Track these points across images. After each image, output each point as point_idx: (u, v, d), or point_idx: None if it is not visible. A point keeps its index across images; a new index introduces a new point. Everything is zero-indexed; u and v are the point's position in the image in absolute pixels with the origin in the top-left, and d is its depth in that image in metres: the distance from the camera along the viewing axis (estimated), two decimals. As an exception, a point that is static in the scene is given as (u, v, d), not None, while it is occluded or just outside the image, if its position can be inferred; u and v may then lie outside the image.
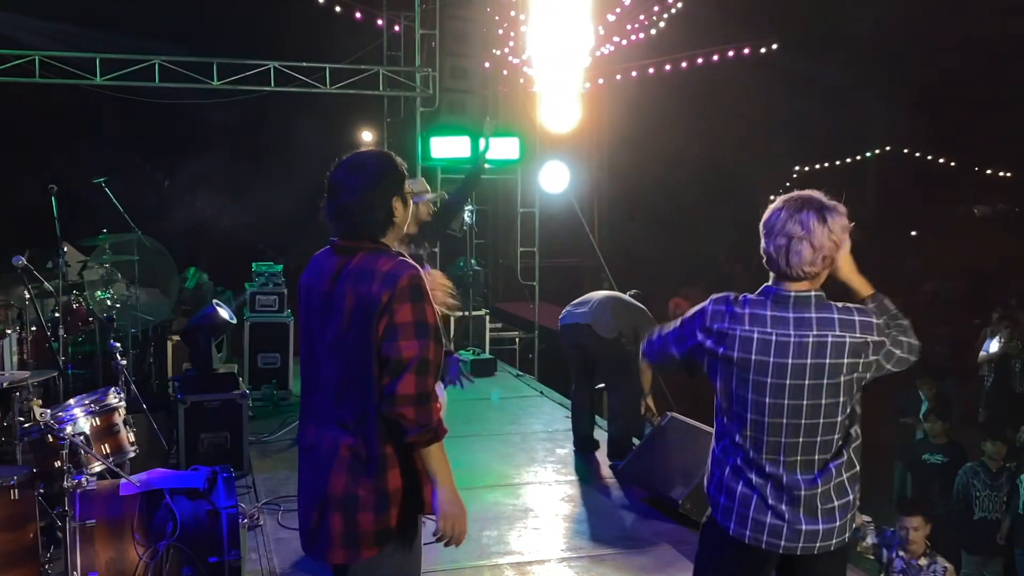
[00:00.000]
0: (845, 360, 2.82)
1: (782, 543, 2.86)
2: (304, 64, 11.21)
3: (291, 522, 5.50)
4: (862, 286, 3.02)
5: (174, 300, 9.00)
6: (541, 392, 9.28)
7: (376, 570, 2.80)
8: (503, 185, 12.65)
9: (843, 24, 21.55)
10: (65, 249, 7.46)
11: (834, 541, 2.88)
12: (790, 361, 2.81)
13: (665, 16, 14.81)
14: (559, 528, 5.60)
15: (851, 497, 2.90)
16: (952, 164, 32.13)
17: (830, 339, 2.81)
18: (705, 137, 21.77)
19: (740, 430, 2.91)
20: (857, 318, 2.84)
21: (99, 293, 7.86)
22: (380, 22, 13.05)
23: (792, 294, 2.87)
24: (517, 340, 11.89)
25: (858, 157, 32.31)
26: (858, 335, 2.82)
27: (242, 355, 8.61)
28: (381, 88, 11.64)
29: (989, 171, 33.04)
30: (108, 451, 4.74)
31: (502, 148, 10.89)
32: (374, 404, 2.69)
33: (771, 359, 2.82)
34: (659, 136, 19.85)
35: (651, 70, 17.22)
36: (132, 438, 4.99)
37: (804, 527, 2.85)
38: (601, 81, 15.12)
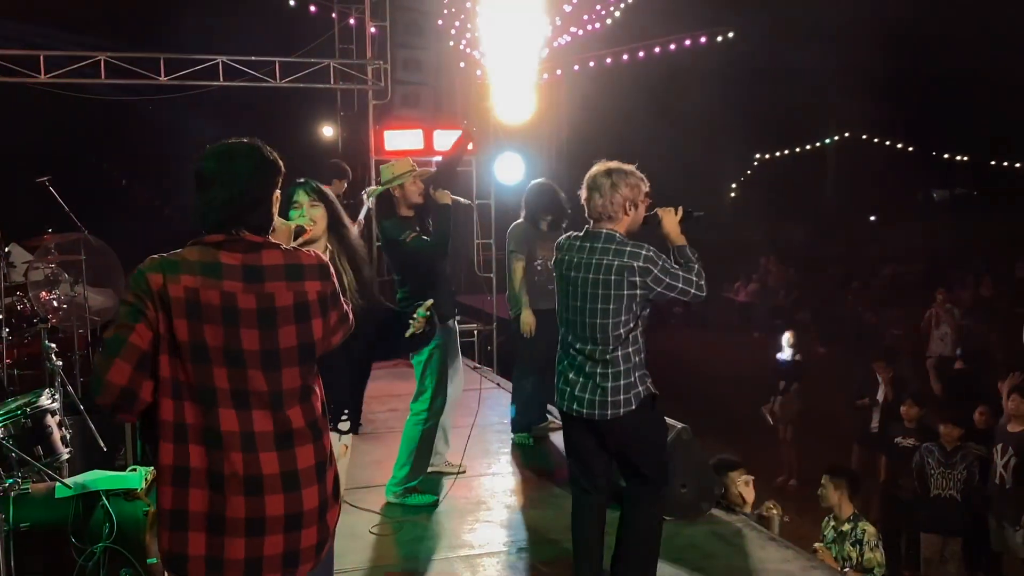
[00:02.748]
0: (613, 276, 3.88)
1: (575, 408, 4.04)
2: (253, 58, 11.08)
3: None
4: (676, 238, 4.13)
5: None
6: (498, 384, 9.24)
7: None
8: (459, 177, 12.58)
9: (800, 12, 21.65)
10: (7, 250, 7.32)
11: (611, 412, 3.95)
12: (587, 276, 3.94)
13: (621, 6, 14.80)
14: (511, 520, 5.57)
15: (624, 382, 3.95)
16: (910, 149, 32.45)
17: (605, 261, 3.91)
18: (664, 127, 21.83)
19: (563, 327, 4.13)
20: (628, 249, 3.90)
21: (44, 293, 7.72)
22: (334, 15, 12.94)
23: (594, 231, 4.01)
24: (475, 332, 11.84)
25: (817, 144, 32.56)
26: (625, 260, 3.86)
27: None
28: (332, 82, 11.53)
29: (947, 156, 33.41)
30: (41, 453, 4.64)
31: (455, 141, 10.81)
32: (319, 404, 2.63)
33: (577, 274, 3.98)
34: (617, 126, 19.87)
35: (608, 60, 17.23)
36: (67, 440, 4.89)
37: (587, 396, 3.99)
38: (559, 72, 15.10)
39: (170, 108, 11.62)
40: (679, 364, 13.98)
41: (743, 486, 5.72)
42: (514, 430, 7.12)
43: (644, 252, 3.87)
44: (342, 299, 2.75)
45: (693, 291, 4.00)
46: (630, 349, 3.95)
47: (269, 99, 13.00)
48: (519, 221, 7.09)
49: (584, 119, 18.10)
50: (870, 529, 6.02)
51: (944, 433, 7.68)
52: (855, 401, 9.87)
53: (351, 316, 2.80)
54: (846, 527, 6.06)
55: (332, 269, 2.71)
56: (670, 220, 4.14)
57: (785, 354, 11.24)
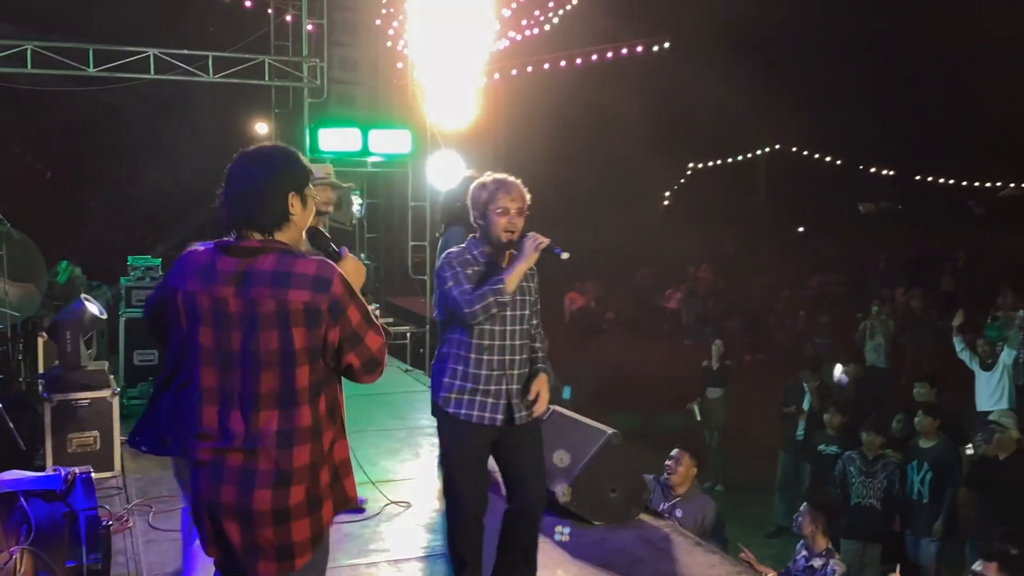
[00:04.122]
0: None
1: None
2: (186, 52, 10.87)
3: (163, 523, 5.32)
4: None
5: (43, 295, 8.61)
6: (429, 387, 9.19)
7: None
8: (395, 178, 12.53)
9: (734, 24, 22.05)
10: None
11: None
12: None
13: (560, 12, 14.89)
14: (439, 523, 5.53)
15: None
16: (838, 163, 33.21)
17: None
18: (600, 134, 22.03)
19: None
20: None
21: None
22: (270, 11, 12.77)
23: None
24: (408, 335, 11.79)
25: (749, 155, 33.13)
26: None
27: (117, 352, 8.28)
28: (267, 78, 11.38)
29: (873, 169, 34.27)
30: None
31: (393, 141, 10.79)
32: (296, 411, 2.65)
33: None
34: (555, 132, 19.98)
35: (546, 66, 17.33)
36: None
37: None
38: (497, 76, 15.13)
39: (97, 100, 11.33)
40: (612, 370, 14.10)
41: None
42: None
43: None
44: (366, 326, 2.72)
45: (461, 305, 3.90)
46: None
47: (202, 94, 12.77)
48: (453, 228, 6.87)
49: (522, 124, 18.17)
50: (840, 569, 5.96)
51: (866, 442, 7.84)
52: (782, 409, 10.04)
53: (375, 349, 2.76)
54: (817, 563, 6.01)
55: (344, 283, 2.68)
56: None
57: (714, 362, 11.40)
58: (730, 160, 32.36)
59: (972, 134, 32.34)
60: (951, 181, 34.38)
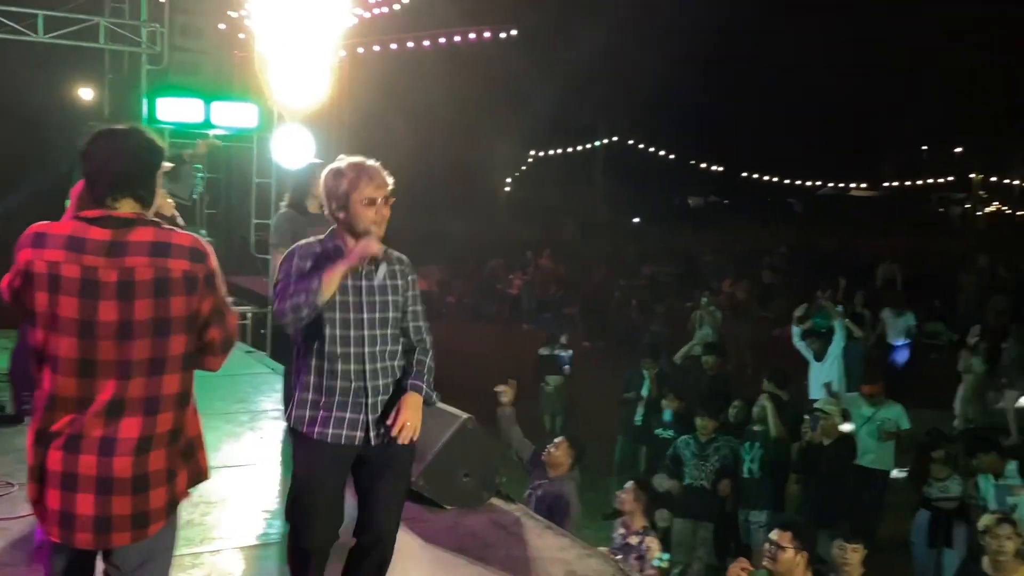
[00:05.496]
0: None
1: None
2: (14, 8, 10.14)
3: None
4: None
5: None
6: (272, 369, 8.97)
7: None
8: (238, 154, 12.12)
9: (578, 17, 22.46)
10: None
11: None
12: None
13: (410, -8, 14.76)
14: (282, 510, 5.40)
15: None
16: (671, 157, 34.49)
17: None
18: (446, 119, 21.99)
19: None
20: None
21: None
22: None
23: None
24: (249, 315, 11.46)
25: (588, 146, 33.93)
26: None
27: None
28: (102, 41, 10.77)
29: (703, 165, 35.79)
30: None
31: (238, 115, 10.44)
32: (165, 379, 2.73)
33: None
34: (401, 115, 19.82)
35: (394, 46, 17.12)
36: None
37: None
38: (343, 54, 14.83)
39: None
40: (453, 355, 14.11)
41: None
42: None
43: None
44: (227, 305, 2.87)
45: (275, 302, 3.42)
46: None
47: (20, 54, 11.92)
48: (282, 210, 6.61)
49: (368, 105, 17.90)
50: (654, 546, 6.05)
51: (700, 426, 8.18)
52: (622, 395, 10.33)
53: (232, 328, 2.91)
54: (634, 540, 6.12)
55: (212, 256, 2.81)
56: None
57: (556, 348, 11.63)
58: (570, 150, 33.04)
59: (794, 136, 34.20)
60: (774, 179, 36.39)
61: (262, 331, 11.17)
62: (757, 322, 16.03)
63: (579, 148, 33.31)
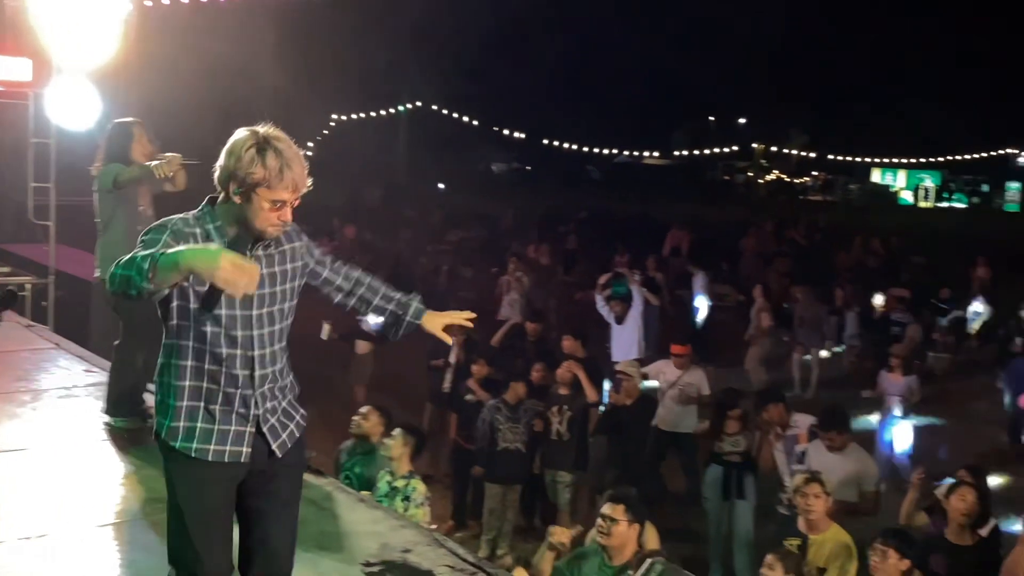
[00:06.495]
0: None
1: None
2: None
3: None
4: None
5: None
6: (57, 344, 8.36)
7: None
8: (11, 111, 11.13)
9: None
10: None
11: None
12: None
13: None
14: (83, 496, 5.05)
15: None
16: (475, 123, 34.69)
17: None
18: (244, 79, 21.12)
19: None
20: None
21: None
22: None
23: None
24: (28, 286, 10.61)
25: (391, 111, 33.58)
26: None
27: None
28: None
29: (507, 132, 36.24)
30: None
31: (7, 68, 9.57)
32: None
33: None
34: (195, 74, 18.83)
35: (186, 0, 16.22)
36: None
37: None
38: (131, 5, 13.91)
39: None
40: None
41: None
42: (111, 413, 6.06)
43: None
44: None
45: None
46: None
47: None
48: (108, 166, 6.09)
49: (159, 62, 16.89)
50: (421, 488, 6.23)
51: (511, 389, 8.29)
52: (429, 362, 10.30)
53: None
54: (400, 483, 6.24)
55: None
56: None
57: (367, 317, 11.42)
58: (373, 114, 32.59)
59: (593, 104, 35.14)
60: (574, 147, 37.35)
61: (43, 303, 10.38)
62: (561, 286, 16.40)
63: (382, 113, 32.93)
